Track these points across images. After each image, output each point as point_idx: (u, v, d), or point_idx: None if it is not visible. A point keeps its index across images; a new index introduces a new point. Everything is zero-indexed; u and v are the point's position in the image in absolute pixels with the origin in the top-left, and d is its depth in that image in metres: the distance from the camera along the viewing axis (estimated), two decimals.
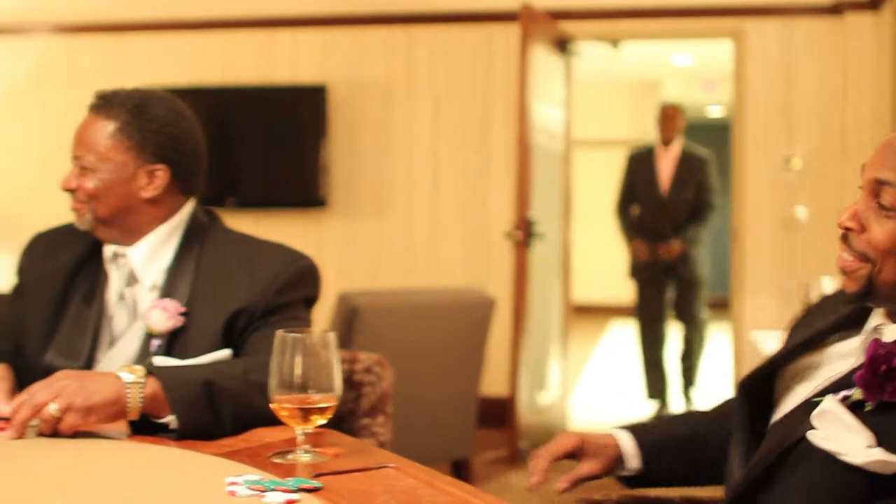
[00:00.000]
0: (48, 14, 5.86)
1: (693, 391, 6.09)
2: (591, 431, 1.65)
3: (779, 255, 5.39)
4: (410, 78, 5.55)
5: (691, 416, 1.80)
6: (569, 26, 5.42)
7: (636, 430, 1.64)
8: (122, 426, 1.62)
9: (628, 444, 1.62)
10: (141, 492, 1.30)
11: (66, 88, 5.80)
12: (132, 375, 1.58)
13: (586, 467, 1.60)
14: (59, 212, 4.90)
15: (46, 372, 1.75)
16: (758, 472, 1.34)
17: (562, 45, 5.42)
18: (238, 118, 5.49)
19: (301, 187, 5.51)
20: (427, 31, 5.53)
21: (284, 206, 5.57)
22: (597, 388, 7.02)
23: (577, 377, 7.10)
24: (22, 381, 1.67)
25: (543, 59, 5.10)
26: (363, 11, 5.56)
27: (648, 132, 9.45)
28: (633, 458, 1.61)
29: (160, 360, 1.77)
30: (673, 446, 1.63)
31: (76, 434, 1.56)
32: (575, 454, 1.60)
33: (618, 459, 1.61)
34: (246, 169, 5.48)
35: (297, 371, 1.43)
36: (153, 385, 1.59)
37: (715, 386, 6.31)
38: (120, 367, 1.60)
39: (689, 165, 5.87)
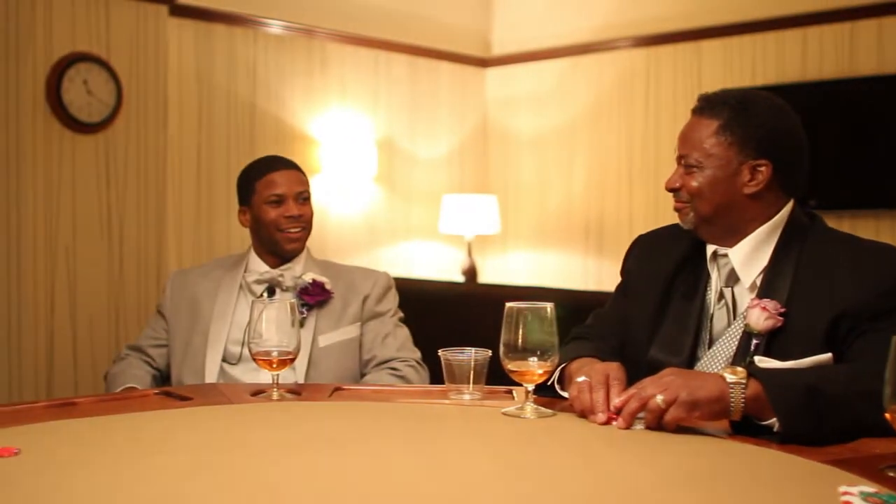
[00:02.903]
0: (630, 29, 6.17)
1: None
2: None
3: None
4: None
5: None
6: None
7: None
8: (723, 425, 1.65)
9: None
10: (748, 493, 1.31)
11: (648, 97, 6.05)
12: (734, 376, 1.61)
13: None
14: (643, 214, 5.14)
15: (650, 366, 1.84)
16: None
17: None
18: (818, 115, 5.25)
19: (891, 187, 5.12)
20: None
21: (871, 208, 5.23)
22: None
23: None
24: (629, 375, 1.77)
25: None
26: None
27: None
28: None
29: (761, 360, 1.77)
30: None
31: (678, 430, 1.61)
32: None
33: None
34: (827, 169, 5.21)
35: None
36: (755, 387, 1.60)
37: None
38: (723, 368, 1.63)
39: None
